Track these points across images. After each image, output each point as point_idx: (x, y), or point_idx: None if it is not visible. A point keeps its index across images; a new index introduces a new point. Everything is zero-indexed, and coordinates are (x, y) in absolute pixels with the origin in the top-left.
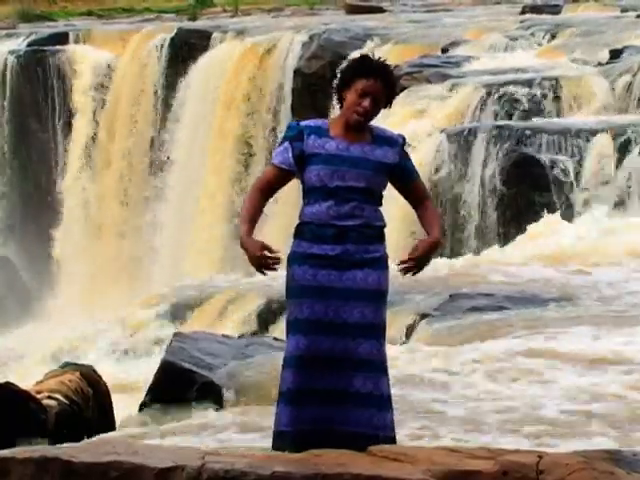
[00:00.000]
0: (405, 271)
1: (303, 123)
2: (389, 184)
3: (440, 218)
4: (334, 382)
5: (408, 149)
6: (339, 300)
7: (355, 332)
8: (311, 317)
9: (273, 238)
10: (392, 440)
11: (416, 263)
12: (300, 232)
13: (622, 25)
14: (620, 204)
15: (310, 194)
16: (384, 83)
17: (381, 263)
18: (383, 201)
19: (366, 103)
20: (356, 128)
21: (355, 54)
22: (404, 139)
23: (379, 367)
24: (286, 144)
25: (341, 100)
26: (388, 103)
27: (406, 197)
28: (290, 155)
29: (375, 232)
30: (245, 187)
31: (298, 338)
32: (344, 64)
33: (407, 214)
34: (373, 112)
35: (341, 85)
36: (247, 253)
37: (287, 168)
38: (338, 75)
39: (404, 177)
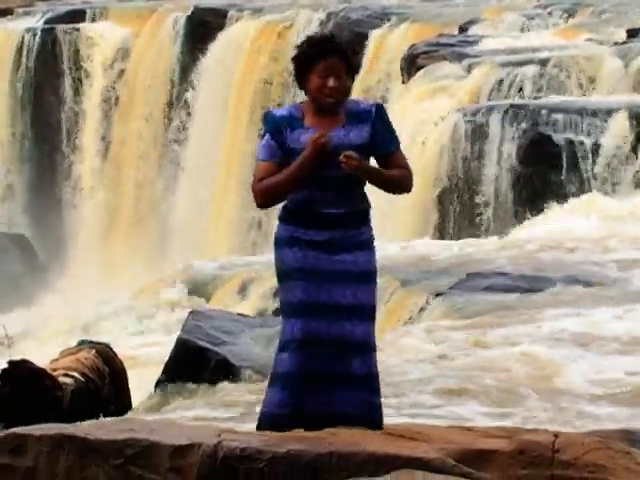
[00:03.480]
0: (346, 161)
1: (278, 114)
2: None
3: (404, 181)
4: (333, 365)
5: (388, 115)
6: (330, 282)
7: (350, 314)
8: (304, 299)
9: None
10: (381, 420)
11: (357, 162)
12: (284, 217)
13: None
14: (637, 184)
15: None
16: (340, 57)
17: (368, 245)
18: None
19: (331, 83)
20: (331, 110)
21: (372, 33)
22: (378, 107)
23: (373, 348)
24: (268, 139)
25: (303, 87)
26: (354, 73)
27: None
28: (276, 150)
29: (361, 216)
30: None
31: (293, 322)
32: (295, 52)
33: (418, 199)
34: (342, 89)
35: (300, 73)
36: (308, 156)
37: (279, 162)
38: (293, 64)
39: (379, 150)
